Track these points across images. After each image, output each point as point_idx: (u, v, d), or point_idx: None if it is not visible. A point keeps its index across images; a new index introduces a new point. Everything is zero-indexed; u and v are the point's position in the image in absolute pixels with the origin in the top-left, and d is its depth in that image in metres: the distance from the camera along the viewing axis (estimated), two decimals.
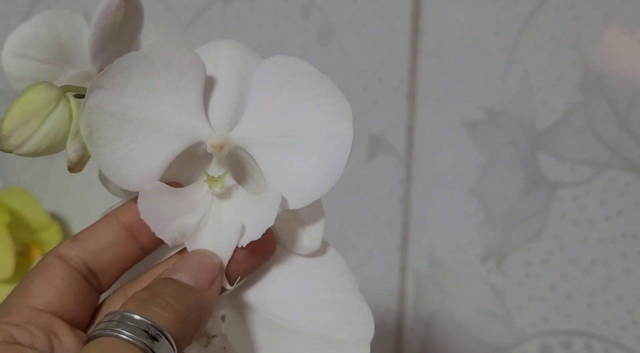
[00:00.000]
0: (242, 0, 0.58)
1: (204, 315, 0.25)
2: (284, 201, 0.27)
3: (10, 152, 0.27)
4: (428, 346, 0.57)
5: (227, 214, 0.27)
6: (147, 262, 0.29)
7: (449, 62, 0.52)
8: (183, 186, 0.28)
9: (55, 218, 0.70)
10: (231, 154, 0.27)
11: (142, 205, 0.26)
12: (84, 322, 0.27)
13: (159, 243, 0.27)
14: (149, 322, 0.23)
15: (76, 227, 0.71)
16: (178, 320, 0.24)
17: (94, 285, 0.28)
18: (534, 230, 0.51)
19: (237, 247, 0.26)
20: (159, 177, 0.27)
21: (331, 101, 0.26)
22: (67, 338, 0.26)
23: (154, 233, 0.26)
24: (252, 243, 0.26)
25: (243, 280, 0.28)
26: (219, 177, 0.27)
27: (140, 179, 0.26)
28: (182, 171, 0.28)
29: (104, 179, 0.29)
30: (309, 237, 0.29)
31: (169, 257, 0.28)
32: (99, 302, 0.28)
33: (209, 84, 0.27)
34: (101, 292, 0.28)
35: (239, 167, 0.28)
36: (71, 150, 0.27)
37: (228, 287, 0.27)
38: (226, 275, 0.27)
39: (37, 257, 0.65)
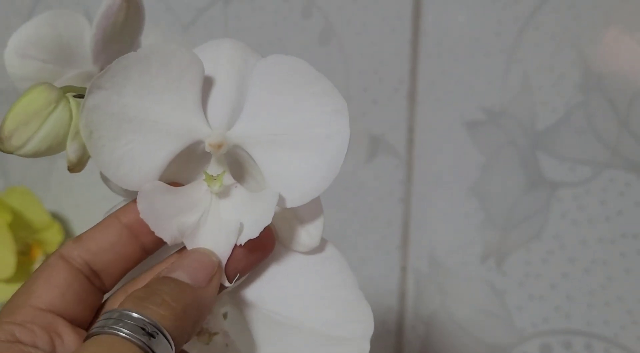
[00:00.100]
0: (242, 1, 0.58)
1: (202, 313, 0.25)
2: (282, 199, 0.27)
3: (11, 153, 0.27)
4: (428, 346, 0.57)
5: (226, 213, 0.27)
6: (150, 262, 0.29)
7: (449, 62, 0.52)
8: (182, 185, 0.28)
9: (56, 218, 0.70)
10: (230, 152, 0.28)
11: (141, 204, 0.26)
12: (86, 321, 0.28)
13: (160, 243, 0.27)
14: (146, 319, 0.23)
15: (77, 227, 0.71)
16: (175, 317, 0.24)
17: (96, 285, 0.28)
18: (534, 230, 0.51)
19: (235, 245, 0.27)
20: (158, 176, 0.27)
21: (328, 100, 0.26)
22: (69, 337, 0.26)
23: (155, 234, 0.26)
24: (250, 241, 0.26)
25: (242, 278, 0.28)
26: (218, 175, 0.27)
27: (139, 178, 0.26)
28: (181, 170, 0.28)
29: (105, 178, 0.29)
30: (308, 234, 0.29)
31: (168, 256, 0.29)
32: (102, 302, 0.29)
33: (208, 83, 0.27)
34: (104, 291, 0.28)
35: (238, 165, 0.29)
36: (71, 150, 0.27)
37: (227, 284, 0.27)
38: (225, 273, 0.27)
39: (38, 256, 0.65)
